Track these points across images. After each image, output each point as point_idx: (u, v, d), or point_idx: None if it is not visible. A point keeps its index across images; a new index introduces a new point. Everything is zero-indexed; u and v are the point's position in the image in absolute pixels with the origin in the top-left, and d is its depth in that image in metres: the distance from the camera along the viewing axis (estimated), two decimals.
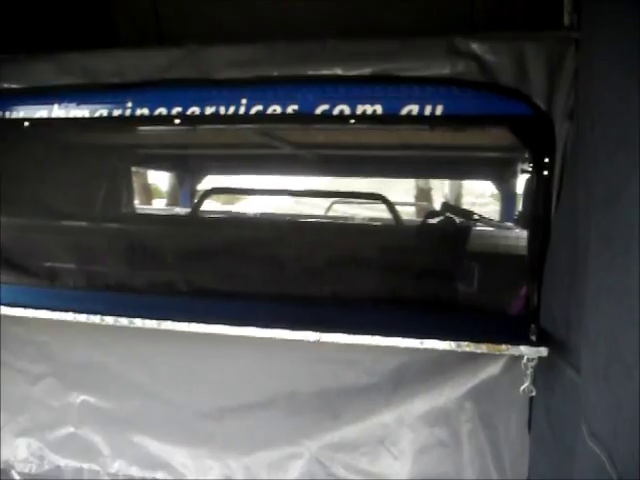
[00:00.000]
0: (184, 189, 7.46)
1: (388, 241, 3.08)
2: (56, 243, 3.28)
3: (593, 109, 1.95)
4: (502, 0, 4.49)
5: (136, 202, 5.97)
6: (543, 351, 2.32)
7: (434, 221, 3.41)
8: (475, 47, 2.50)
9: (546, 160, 2.49)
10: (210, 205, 8.10)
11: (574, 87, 2.41)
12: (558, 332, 2.31)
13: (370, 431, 2.84)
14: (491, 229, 4.05)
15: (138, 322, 2.77)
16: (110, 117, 2.93)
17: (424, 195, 12.13)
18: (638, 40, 1.50)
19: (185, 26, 4.89)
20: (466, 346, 2.40)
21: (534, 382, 2.40)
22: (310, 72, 2.63)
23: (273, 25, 4.66)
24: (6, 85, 3.10)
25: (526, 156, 3.55)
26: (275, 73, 2.66)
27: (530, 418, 2.63)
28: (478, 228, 3.63)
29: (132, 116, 2.91)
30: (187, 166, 6.49)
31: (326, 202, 7.80)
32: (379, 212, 5.52)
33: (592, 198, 1.80)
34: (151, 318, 2.74)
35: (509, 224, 4.63)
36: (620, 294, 1.49)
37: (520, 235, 3.40)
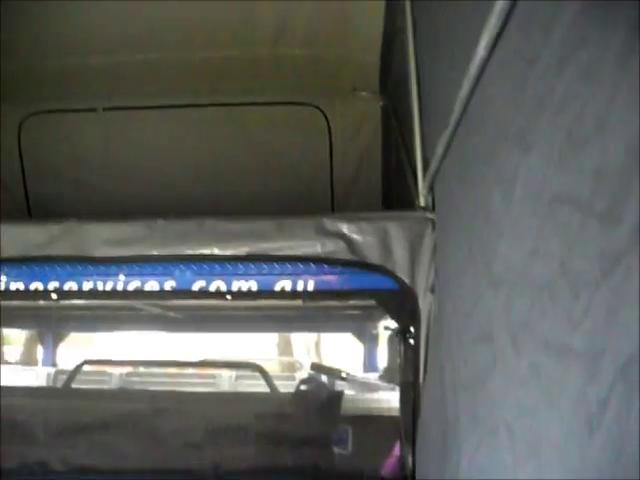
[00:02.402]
0: (45, 345, 7.25)
1: (264, 410, 3.14)
2: None
3: (454, 294, 2.15)
4: (358, 178, 4.90)
5: None
6: None
7: (307, 387, 3.51)
8: (343, 227, 2.70)
9: (411, 329, 2.68)
10: (69, 351, 7.93)
11: (434, 263, 2.64)
12: None
13: None
14: (361, 389, 4.18)
15: None
16: None
17: (287, 347, 12.27)
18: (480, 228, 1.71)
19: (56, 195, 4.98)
20: None
21: None
22: (188, 251, 2.73)
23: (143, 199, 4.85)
24: None
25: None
26: (154, 252, 2.74)
27: None
28: (349, 391, 3.75)
29: (6, 290, 2.89)
30: (49, 324, 6.33)
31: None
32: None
33: (458, 379, 1.96)
34: None
35: (379, 383, 4.78)
36: (491, 474, 1.62)
37: (390, 397, 3.54)
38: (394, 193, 4.61)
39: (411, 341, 2.68)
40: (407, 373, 2.70)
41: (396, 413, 2.85)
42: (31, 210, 5.40)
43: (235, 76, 4.68)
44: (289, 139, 5.03)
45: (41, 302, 4.31)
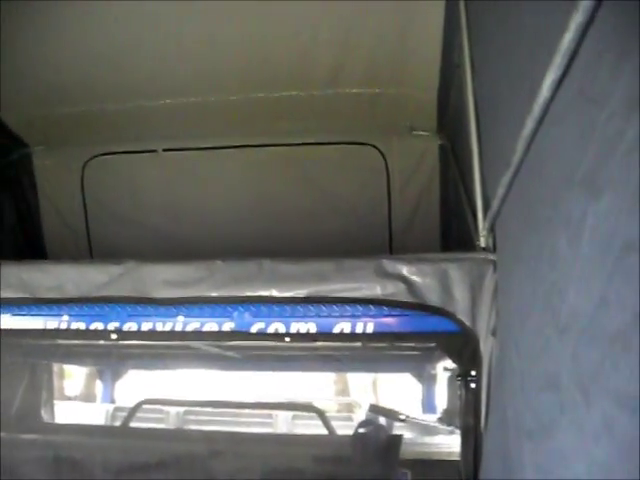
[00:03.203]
0: (104, 382, 7.32)
1: (322, 453, 3.09)
2: None
3: (517, 338, 2.09)
4: (416, 218, 4.87)
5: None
6: None
7: (365, 430, 3.44)
8: (402, 269, 2.67)
9: (473, 373, 2.61)
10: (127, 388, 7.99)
11: (495, 305, 2.58)
12: None
13: None
14: (420, 432, 4.11)
15: None
16: (45, 330, 2.95)
17: (343, 386, 12.16)
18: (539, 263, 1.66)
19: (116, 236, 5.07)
20: None
21: None
22: (247, 293, 2.72)
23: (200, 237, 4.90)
24: None
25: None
26: (213, 293, 2.75)
27: None
28: (408, 433, 3.68)
29: (67, 329, 2.93)
30: (109, 362, 6.40)
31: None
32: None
33: (523, 426, 1.90)
34: None
35: (438, 426, 4.69)
36: None
37: (450, 440, 3.46)
38: (453, 233, 4.57)
39: (472, 384, 2.61)
40: (468, 417, 2.63)
41: (457, 458, 2.77)
42: (93, 250, 5.52)
43: (292, 116, 4.72)
44: (347, 179, 5.05)
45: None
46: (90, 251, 5.53)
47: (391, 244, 5.12)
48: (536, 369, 1.78)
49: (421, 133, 4.87)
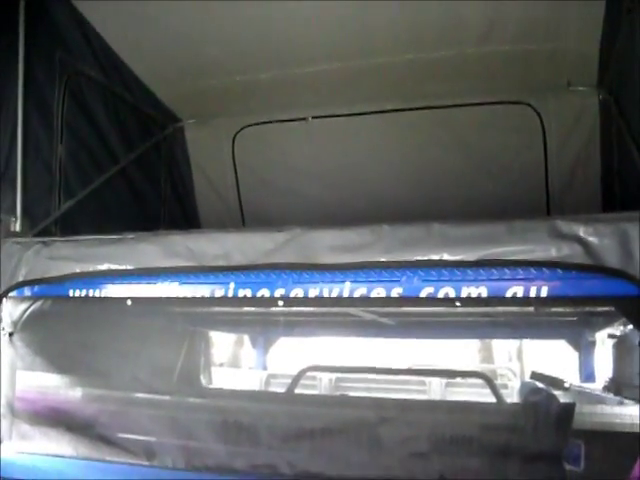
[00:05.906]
0: (257, 349, 7.48)
1: (491, 421, 2.99)
2: (153, 419, 3.24)
3: None
4: (575, 179, 4.65)
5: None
6: None
7: (536, 398, 3.32)
8: (578, 229, 2.51)
9: None
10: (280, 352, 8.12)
11: None
12: None
13: None
14: (587, 401, 3.94)
15: None
16: (213, 297, 3.00)
17: (488, 353, 11.97)
18: None
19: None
20: None
21: None
22: (416, 257, 2.65)
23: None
24: (112, 266, 3.14)
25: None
26: (380, 258, 2.69)
27: None
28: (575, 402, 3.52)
29: (234, 297, 2.97)
30: (265, 328, 6.48)
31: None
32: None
33: None
34: None
35: (605, 396, 4.49)
36: None
37: (624, 411, 3.28)
38: (617, 193, 4.32)
39: None
40: None
41: (637, 430, 2.61)
42: (245, 218, 5.62)
43: (443, 78, 4.59)
44: (500, 140, 4.89)
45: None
46: (242, 219, 5.64)
47: (548, 208, 4.92)
48: None
49: (579, 88, 4.63)
